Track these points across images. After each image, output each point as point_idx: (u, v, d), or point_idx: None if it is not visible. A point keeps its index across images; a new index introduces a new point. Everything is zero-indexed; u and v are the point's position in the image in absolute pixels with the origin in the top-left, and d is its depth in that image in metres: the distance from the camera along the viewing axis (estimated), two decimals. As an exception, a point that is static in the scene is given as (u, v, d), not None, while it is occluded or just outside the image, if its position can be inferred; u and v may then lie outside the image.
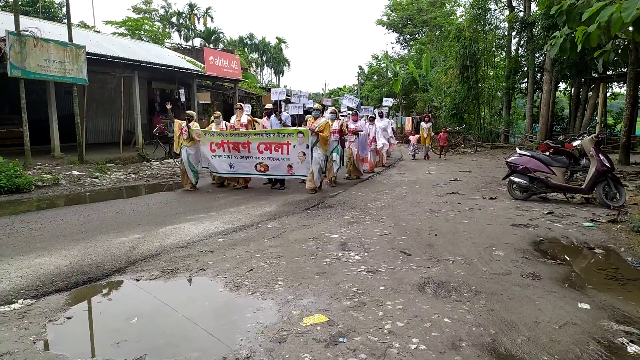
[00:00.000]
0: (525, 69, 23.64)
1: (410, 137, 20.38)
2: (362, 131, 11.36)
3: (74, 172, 11.81)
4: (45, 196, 9.36)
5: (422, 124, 19.20)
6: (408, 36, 42.44)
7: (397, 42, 44.87)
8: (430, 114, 21.05)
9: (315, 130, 9.23)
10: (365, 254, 5.09)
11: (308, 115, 11.45)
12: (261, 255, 5.01)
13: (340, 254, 5.06)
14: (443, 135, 19.41)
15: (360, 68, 49.80)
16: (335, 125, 10.29)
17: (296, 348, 2.96)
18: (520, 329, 3.24)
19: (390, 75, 38.70)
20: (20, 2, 27.77)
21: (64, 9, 16.81)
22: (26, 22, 13.35)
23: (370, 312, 3.52)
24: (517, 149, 9.21)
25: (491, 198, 8.87)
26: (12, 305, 3.64)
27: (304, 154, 9.25)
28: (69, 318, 3.50)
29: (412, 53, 41.13)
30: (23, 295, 3.84)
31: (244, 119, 10.47)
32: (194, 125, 9.90)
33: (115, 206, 8.15)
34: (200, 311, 3.68)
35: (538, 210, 7.61)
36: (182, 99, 15.70)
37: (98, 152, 15.13)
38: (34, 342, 3.07)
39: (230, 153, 9.78)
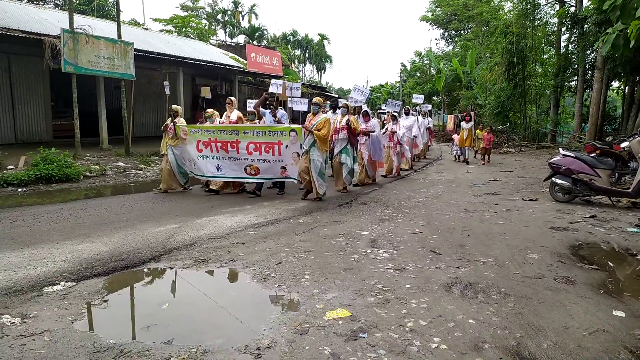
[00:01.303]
0: (576, 66, 22.60)
1: (454, 136, 18.51)
2: (373, 132, 9.96)
3: (120, 163, 12.36)
4: (93, 186, 9.87)
5: (462, 123, 16.80)
6: (453, 32, 41.41)
7: (441, 38, 43.72)
8: (473, 112, 19.19)
9: (312, 128, 8.05)
10: (394, 251, 5.07)
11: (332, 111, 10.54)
12: (290, 249, 5.09)
13: (368, 251, 5.06)
14: (487, 136, 16.24)
15: (403, 65, 49.19)
16: (344, 121, 9.00)
17: (317, 340, 3.01)
18: (547, 333, 3.15)
19: (433, 72, 38.01)
20: (76, 2, 29.35)
21: (116, 7, 17.44)
22: (80, 20, 14.04)
23: (393, 309, 3.52)
24: (561, 150, 8.87)
25: (531, 200, 8.59)
26: (55, 287, 3.88)
27: (298, 155, 8.14)
28: (105, 301, 3.70)
29: (456, 49, 40.18)
30: (65, 278, 4.08)
31: (234, 115, 9.19)
32: (180, 121, 9.02)
33: (156, 197, 8.48)
34: (228, 300, 3.81)
35: (580, 214, 7.31)
36: (167, 91, 15.58)
37: (143, 145, 15.70)
38: (72, 322, 3.27)
39: (217, 153, 8.60)
